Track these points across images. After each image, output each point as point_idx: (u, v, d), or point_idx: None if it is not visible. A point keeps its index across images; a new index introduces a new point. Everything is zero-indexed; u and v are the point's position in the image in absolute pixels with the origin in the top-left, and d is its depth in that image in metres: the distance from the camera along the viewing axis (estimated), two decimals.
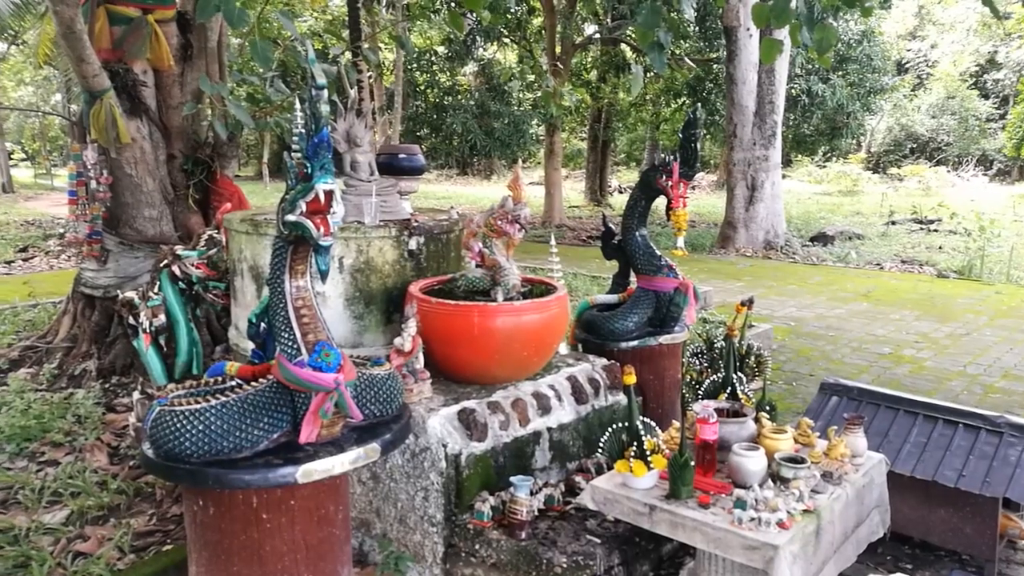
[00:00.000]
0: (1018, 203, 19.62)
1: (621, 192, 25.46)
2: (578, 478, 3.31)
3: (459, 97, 17.72)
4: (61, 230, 13.18)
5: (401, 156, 4.19)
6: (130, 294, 3.82)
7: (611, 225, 4.24)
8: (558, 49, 16.84)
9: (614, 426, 2.80)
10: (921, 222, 16.79)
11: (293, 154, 3.55)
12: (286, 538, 2.41)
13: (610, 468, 3.40)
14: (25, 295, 7.46)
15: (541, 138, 19.34)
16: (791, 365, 5.92)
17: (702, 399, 3.28)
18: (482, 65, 18.75)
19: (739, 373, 3.36)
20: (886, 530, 2.99)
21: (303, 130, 2.35)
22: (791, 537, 2.38)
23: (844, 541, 2.74)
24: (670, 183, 3.77)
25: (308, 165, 2.30)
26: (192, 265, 3.90)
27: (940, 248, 13.13)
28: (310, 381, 2.33)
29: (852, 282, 9.77)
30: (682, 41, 16.74)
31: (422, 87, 18.16)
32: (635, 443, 2.67)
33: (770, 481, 2.63)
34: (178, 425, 2.29)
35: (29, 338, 5.60)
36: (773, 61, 3.90)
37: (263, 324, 2.70)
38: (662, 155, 3.88)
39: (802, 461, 2.69)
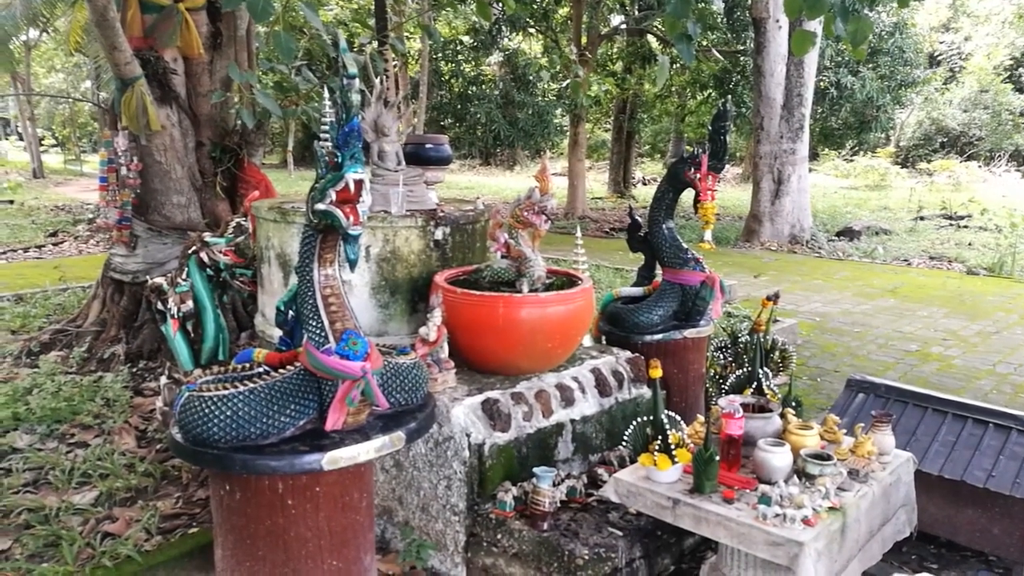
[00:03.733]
0: None
1: (645, 184, 25.28)
2: (600, 470, 3.31)
3: (484, 87, 17.69)
4: (90, 215, 13.35)
5: (428, 146, 4.19)
6: (159, 280, 3.86)
7: (637, 217, 4.21)
8: (584, 39, 16.75)
9: (639, 419, 2.79)
10: (950, 218, 16.52)
11: (323, 143, 3.58)
12: (311, 524, 2.43)
13: (633, 461, 3.40)
14: (56, 279, 7.57)
15: (565, 129, 19.26)
16: (816, 361, 5.87)
17: (727, 394, 3.26)
18: (507, 55, 18.69)
19: (765, 368, 3.33)
20: (912, 529, 2.96)
21: (333, 119, 2.36)
22: (816, 534, 2.36)
23: (869, 539, 2.72)
24: (698, 176, 3.74)
25: (338, 154, 2.31)
26: (220, 252, 3.93)
27: (970, 245, 12.91)
28: (337, 369, 2.34)
29: (879, 278, 9.65)
30: (710, 32, 16.57)
31: (447, 77, 18.14)
32: (660, 437, 2.66)
33: (795, 477, 2.61)
34: (206, 410, 2.32)
35: (59, 322, 5.69)
36: (805, 53, 3.86)
37: (291, 312, 2.73)
38: (690, 148, 3.85)
39: (828, 458, 2.66)
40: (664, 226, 3.96)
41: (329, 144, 2.34)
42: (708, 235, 3.86)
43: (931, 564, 3.21)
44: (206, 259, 3.92)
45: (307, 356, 2.40)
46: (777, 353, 5.19)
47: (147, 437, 4.08)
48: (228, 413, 2.32)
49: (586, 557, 2.68)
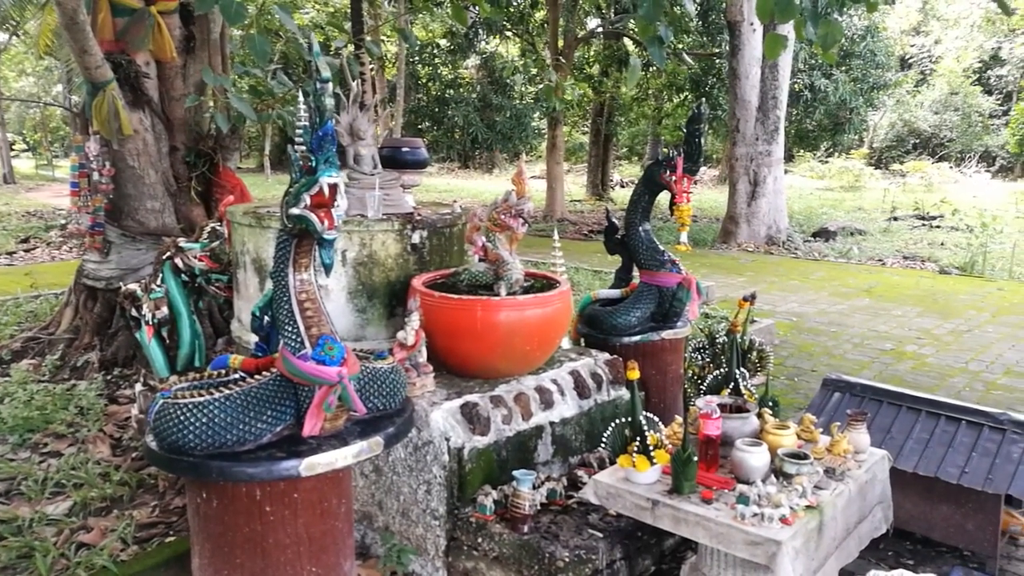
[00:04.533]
0: (1020, 200, 19.58)
1: (623, 186, 25.39)
2: (580, 472, 3.31)
3: (461, 90, 17.67)
4: (63, 221, 13.18)
5: (404, 149, 4.18)
6: (132, 286, 3.82)
7: (614, 220, 4.23)
8: (560, 43, 16.79)
9: (617, 421, 2.80)
10: (923, 218, 16.76)
11: (297, 147, 3.55)
12: (289, 531, 2.41)
13: (612, 463, 3.42)
14: (27, 286, 7.46)
15: (543, 132, 19.31)
16: (793, 361, 5.92)
17: (705, 394, 3.28)
18: (484, 58, 18.71)
19: (742, 368, 3.35)
20: (889, 526, 2.99)
21: (307, 123, 2.35)
22: (794, 533, 2.38)
23: (846, 537, 2.74)
24: (674, 178, 3.76)
25: (312, 158, 2.29)
26: (195, 257, 3.90)
27: (942, 244, 13.10)
28: (313, 374, 2.33)
29: (854, 278, 9.77)
30: (684, 35, 16.69)
31: (424, 80, 18.12)
32: (638, 438, 2.66)
33: (773, 477, 2.63)
34: (182, 417, 2.30)
35: (31, 329, 5.60)
36: (777, 56, 3.89)
37: (267, 317, 2.71)
38: (666, 150, 3.87)
39: (805, 457, 2.69)
40: (640, 228, 3.98)
41: (303, 148, 2.33)
42: (684, 237, 3.88)
43: (907, 560, 3.24)
44: (181, 264, 3.90)
45: (283, 362, 2.38)
46: (755, 353, 5.24)
47: (122, 445, 4.02)
48: (204, 420, 2.29)
49: (567, 559, 2.68)
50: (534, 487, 2.96)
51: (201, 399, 2.32)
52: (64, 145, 30.32)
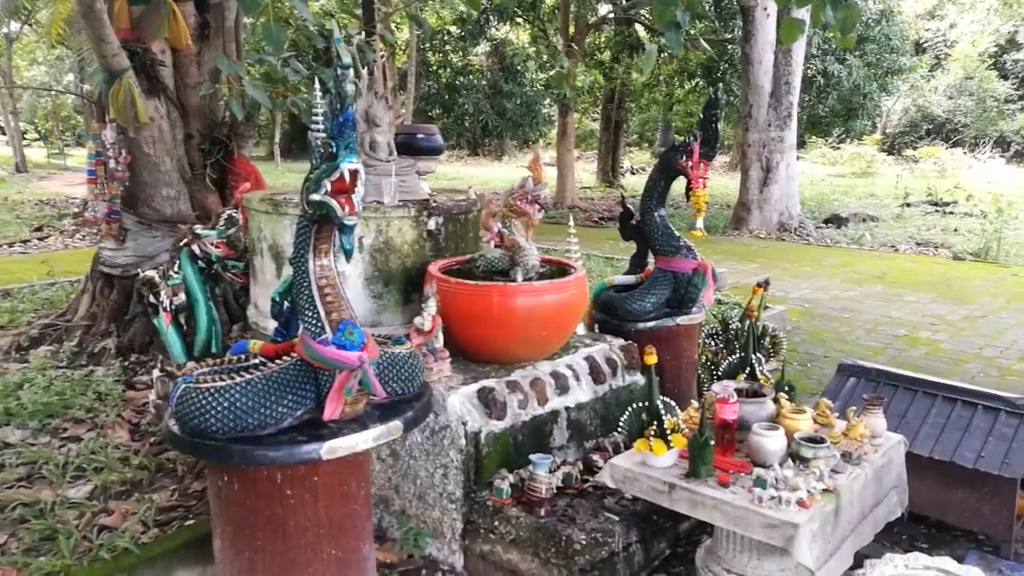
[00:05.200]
0: None
1: (633, 173, 25.30)
2: (595, 456, 3.33)
3: (471, 77, 17.63)
4: (76, 209, 13.26)
5: (419, 136, 4.19)
6: (150, 273, 3.85)
7: (629, 206, 4.23)
8: (572, 29, 16.71)
9: (634, 405, 2.81)
10: (936, 204, 16.63)
11: (317, 134, 3.56)
12: (309, 514, 2.44)
13: (628, 447, 3.43)
14: (43, 274, 7.52)
15: (553, 119, 19.25)
16: (806, 346, 5.91)
17: (720, 380, 3.29)
18: (495, 45, 18.64)
19: (757, 354, 3.36)
20: (904, 510, 3.00)
21: (327, 110, 2.36)
22: (811, 516, 2.39)
23: (862, 520, 2.75)
24: (690, 164, 3.75)
25: (333, 145, 2.30)
26: (211, 244, 3.92)
27: (956, 230, 13.01)
28: (334, 359, 2.35)
29: (866, 264, 9.72)
30: (698, 21, 16.56)
31: (435, 67, 18.09)
32: (655, 422, 2.68)
33: (790, 461, 2.64)
34: (204, 402, 2.32)
35: (48, 316, 5.66)
36: (794, 41, 3.87)
37: (286, 303, 2.74)
38: (681, 136, 3.86)
39: (822, 441, 2.69)
40: (656, 214, 3.98)
41: (323, 134, 2.34)
42: (700, 223, 3.88)
43: (922, 544, 3.25)
44: (198, 251, 3.92)
45: (304, 346, 2.40)
46: (768, 339, 5.24)
47: (140, 430, 4.07)
48: (225, 404, 2.32)
49: (583, 542, 2.70)
50: (550, 471, 2.99)
51: (223, 383, 2.35)
52: (76, 134, 30.44)
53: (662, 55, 20.00)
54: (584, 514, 2.88)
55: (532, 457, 2.93)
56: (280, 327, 2.74)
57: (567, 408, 3.37)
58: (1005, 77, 31.89)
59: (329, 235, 2.47)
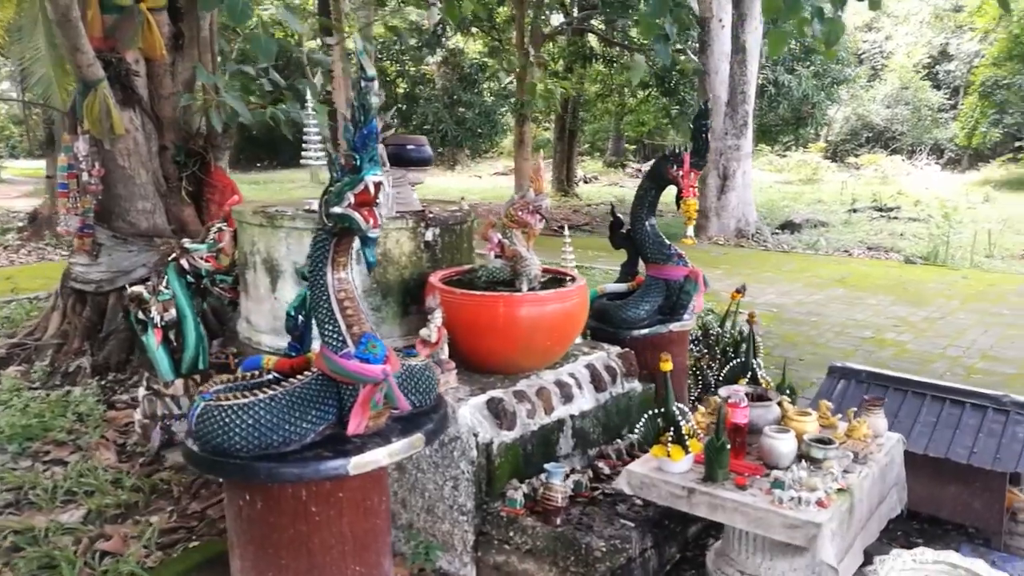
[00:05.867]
0: (970, 191, 20.22)
1: (587, 182, 25.52)
2: (600, 464, 3.37)
3: (429, 87, 17.61)
4: (19, 223, 12.84)
5: (409, 147, 4.16)
6: (138, 288, 3.76)
7: (619, 215, 4.28)
8: (527, 39, 16.81)
9: (650, 412, 2.85)
10: (881, 209, 17.18)
11: (309, 145, 3.53)
12: (334, 530, 2.42)
13: (630, 454, 3.48)
14: (7, 290, 7.25)
15: (509, 128, 19.33)
16: (779, 350, 6.04)
17: (722, 384, 3.36)
18: (451, 53, 18.68)
19: (757, 359, 3.43)
20: (903, 507, 3.10)
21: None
22: (830, 515, 2.45)
23: (869, 518, 2.84)
24: (681, 173, 3.82)
25: (356, 157, 2.29)
26: (201, 258, 3.85)
27: (902, 235, 13.46)
28: (358, 373, 2.33)
29: (825, 268, 10.00)
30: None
31: (392, 77, 18.02)
32: (672, 428, 2.72)
33: (803, 462, 2.70)
34: (227, 420, 2.28)
35: (14, 335, 5.46)
36: (781, 52, 3.97)
37: (300, 317, 2.71)
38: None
39: (830, 442, 2.77)
40: (647, 223, 4.04)
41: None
42: (690, 230, 3.95)
43: (916, 539, 3.35)
44: (186, 266, 3.84)
45: (325, 361, 2.38)
46: (745, 344, 5.35)
47: (127, 451, 3.96)
48: (249, 422, 2.28)
49: (603, 549, 2.72)
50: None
51: (246, 400, 2.31)
52: (10, 146, 29.34)
53: (613, 65, 20.31)
54: (600, 521, 2.90)
55: (547, 466, 2.95)
56: (294, 341, 2.71)
57: (572, 416, 3.39)
58: (938, 87, 33.16)
59: (348, 248, 2.46)
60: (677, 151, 3.87)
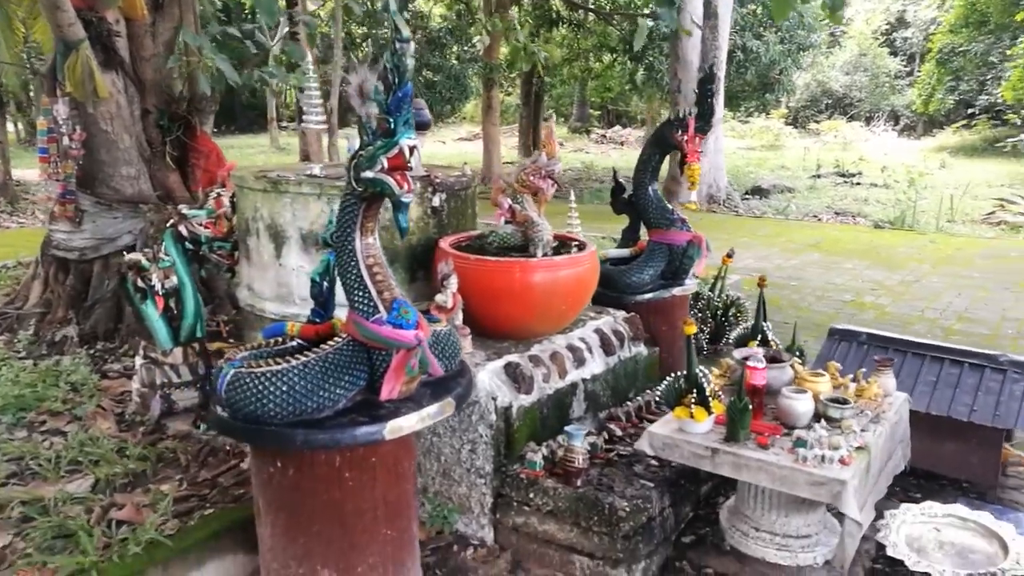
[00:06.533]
0: (927, 157, 20.66)
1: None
2: (612, 426, 3.41)
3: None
4: None
5: None
6: (135, 256, 3.66)
7: (621, 180, 4.29)
8: (493, 5, 16.57)
9: (673, 374, 2.89)
10: (844, 175, 17.49)
11: (309, 107, 3.46)
12: (367, 496, 2.42)
13: (639, 415, 3.53)
14: None
15: (478, 93, 19.13)
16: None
17: (734, 347, 3.41)
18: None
19: (766, 322, 3.49)
20: (907, 463, 3.20)
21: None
22: (853, 472, 2.53)
23: (880, 474, 2.93)
24: (686, 138, 3.84)
25: (390, 120, 2.25)
26: (200, 225, 3.76)
27: (866, 200, 13.74)
28: (392, 338, 2.31)
29: (798, 233, 10.16)
30: None
31: (359, 40, 17.66)
32: (695, 390, 2.76)
33: (823, 421, 2.77)
34: (260, 387, 2.26)
35: None
36: (785, 18, 3.95)
37: (325, 283, 2.67)
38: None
39: (845, 402, 2.84)
40: (650, 188, 4.06)
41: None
42: (694, 195, 3.99)
43: (915, 494, 3.48)
44: (184, 232, 3.75)
45: (357, 327, 2.36)
46: (733, 308, 5.44)
47: (126, 421, 3.89)
48: (284, 388, 2.26)
49: (627, 509, 2.77)
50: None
51: (280, 367, 2.29)
52: None
53: (580, 30, 20.16)
54: (620, 482, 2.95)
55: (567, 429, 2.98)
56: (318, 307, 2.67)
57: (584, 380, 3.42)
58: (895, 54, 33.65)
59: (376, 213, 2.43)
60: (682, 115, 3.87)
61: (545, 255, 3.30)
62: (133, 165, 4.86)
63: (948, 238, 9.97)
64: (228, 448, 3.53)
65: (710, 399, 2.75)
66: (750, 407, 2.72)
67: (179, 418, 3.86)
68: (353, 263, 2.40)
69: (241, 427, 2.31)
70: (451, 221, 3.77)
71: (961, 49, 25.68)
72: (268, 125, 24.80)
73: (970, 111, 26.78)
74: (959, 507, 2.84)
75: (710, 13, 12.19)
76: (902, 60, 33.42)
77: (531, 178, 3.36)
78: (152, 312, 3.68)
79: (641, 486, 2.93)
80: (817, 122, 30.74)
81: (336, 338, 2.45)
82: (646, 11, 17.17)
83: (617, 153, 25.07)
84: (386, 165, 2.24)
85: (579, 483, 2.92)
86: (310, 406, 2.29)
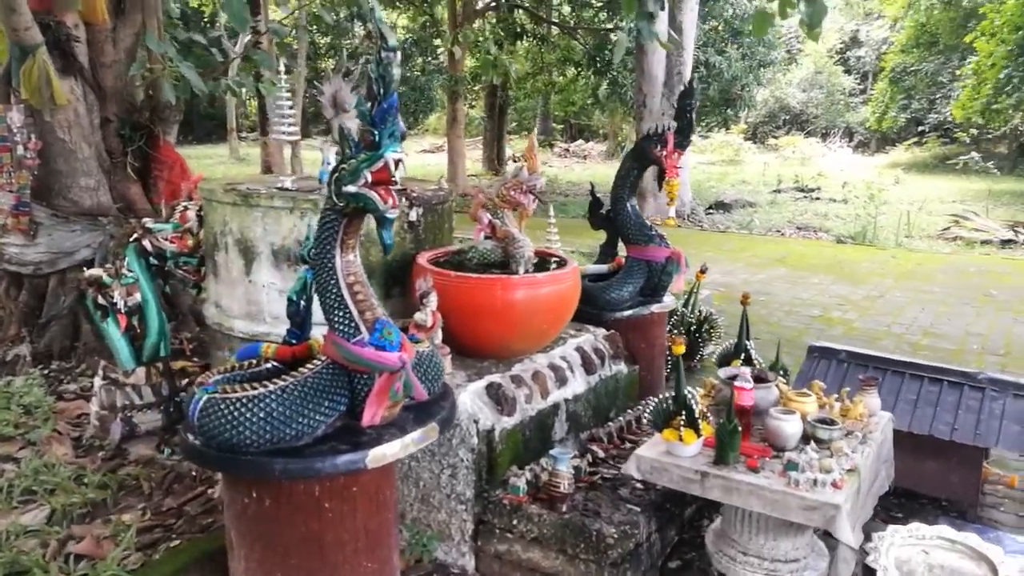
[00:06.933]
0: (882, 173, 21.11)
1: (515, 161, 25.46)
2: (594, 447, 3.34)
3: (362, 61, 17.15)
4: None
5: None
6: (96, 271, 3.50)
7: (599, 195, 4.24)
8: (458, 16, 16.53)
9: (660, 396, 2.82)
10: (803, 190, 17.76)
11: (280, 117, 3.36)
12: (348, 526, 2.31)
13: (620, 438, 3.47)
14: None
15: (441, 105, 19.05)
16: (734, 329, 6.12)
17: (717, 366, 3.37)
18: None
19: (748, 341, 3.45)
20: (890, 483, 3.18)
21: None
22: (845, 496, 2.48)
23: (867, 495, 2.90)
24: (665, 153, 3.80)
25: (375, 132, 2.15)
26: (165, 239, 3.60)
27: (826, 216, 13.94)
28: (375, 361, 2.22)
29: (762, 248, 10.25)
30: (581, 9, 16.84)
31: (323, 50, 17.48)
32: (684, 412, 2.69)
33: (812, 443, 2.72)
34: (236, 413, 2.14)
35: None
36: (765, 33, 3.97)
37: (303, 302, 2.56)
38: (652, 125, 3.91)
39: (833, 423, 2.80)
40: (628, 204, 4.01)
41: (364, 120, 2.19)
42: (673, 211, 3.95)
43: (896, 513, 3.47)
44: (149, 247, 3.60)
45: (337, 349, 2.25)
46: (706, 324, 5.43)
47: (83, 445, 3.70)
48: (261, 415, 2.15)
49: (615, 536, 2.69)
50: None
51: (257, 392, 2.17)
52: None
53: (544, 43, 20.22)
54: (606, 507, 2.87)
55: (552, 452, 2.89)
56: (294, 328, 2.56)
57: (566, 400, 3.34)
58: (849, 72, 34.46)
59: (357, 230, 2.34)
60: (661, 131, 3.83)
61: (527, 272, 3.22)
62: (92, 176, 4.66)
63: (908, 253, 10.15)
64: (195, 474, 3.37)
65: (699, 421, 2.69)
66: (739, 429, 2.66)
67: (141, 442, 3.69)
68: (333, 281, 2.30)
69: (215, 455, 2.18)
70: (428, 236, 3.67)
71: (912, 69, 26.38)
72: (228, 135, 24.39)
73: (920, 129, 27.51)
74: (946, 529, 2.81)
75: (675, 28, 12.28)
76: (856, 78, 34.22)
77: (512, 193, 3.29)
78: (113, 331, 3.52)
79: (628, 511, 2.85)
80: (776, 137, 31.28)
81: (315, 360, 2.33)
82: (610, 26, 17.35)
83: (580, 167, 25.16)
84: (370, 179, 2.14)
85: (564, 508, 2.83)
86: (289, 433, 2.17)
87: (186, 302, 4.78)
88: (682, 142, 3.81)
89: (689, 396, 2.74)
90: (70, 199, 4.61)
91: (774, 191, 17.71)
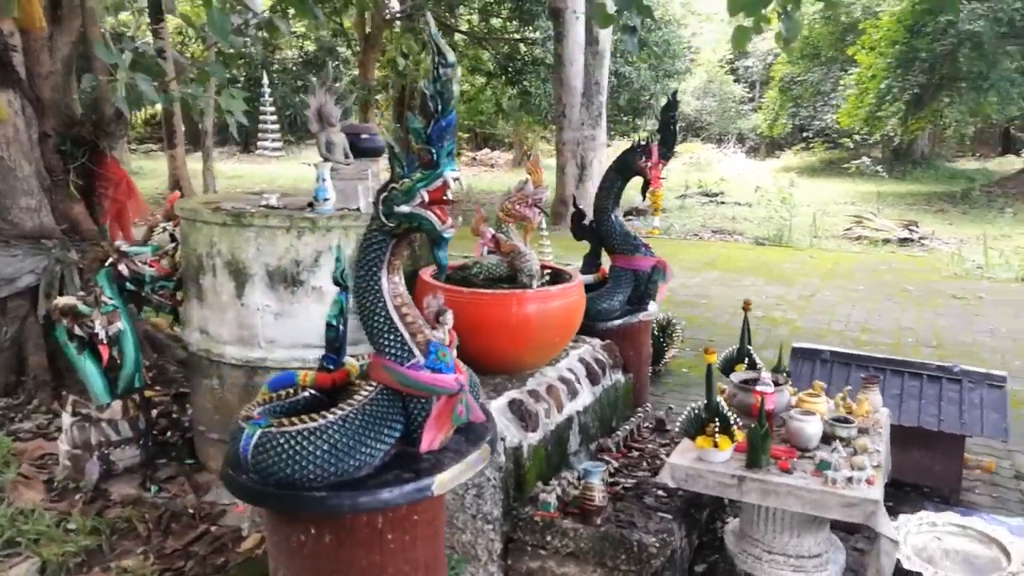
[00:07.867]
0: (777, 177, 22.17)
1: None
2: (605, 457, 3.35)
3: (274, 71, 16.68)
4: None
5: (363, 136, 3.91)
6: (70, 300, 3.25)
7: (581, 207, 4.26)
8: (367, 26, 16.34)
9: (692, 405, 2.86)
10: (708, 195, 18.45)
11: (266, 133, 3.28)
12: (409, 556, 2.23)
13: (628, 447, 3.50)
14: None
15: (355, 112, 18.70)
16: (689, 332, 6.31)
17: (721, 372, 3.44)
18: (295, 37, 17.76)
19: (748, 346, 3.54)
20: (888, 476, 3.33)
21: (423, 112, 2.14)
22: (880, 490, 2.59)
23: None
24: (649, 164, 3.86)
25: (432, 150, 2.10)
26: (143, 263, 3.38)
27: (733, 219, 14.54)
28: (434, 385, 2.16)
29: (689, 252, 10.56)
30: (494, 19, 16.94)
31: (239, 59, 16.88)
32: (717, 419, 2.74)
33: (837, 442, 2.82)
34: (298, 447, 2.03)
35: None
36: (744, 47, 4.08)
37: (342, 327, 2.45)
38: (640, 137, 3.97)
39: (849, 421, 2.92)
40: (612, 215, 4.05)
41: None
42: (657, 221, 4.02)
43: (887, 503, 3.63)
44: (125, 271, 3.37)
45: (391, 374, 2.18)
46: (669, 328, 5.55)
47: (56, 488, 3.42)
48: (325, 447, 2.05)
49: (656, 544, 2.70)
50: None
51: (318, 423, 2.07)
52: None
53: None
54: (639, 516, 2.88)
55: (585, 466, 2.89)
56: (331, 353, 2.45)
57: (578, 412, 3.34)
58: (738, 81, 36.12)
59: (403, 250, 2.27)
60: (645, 142, 3.90)
61: (540, 285, 3.20)
62: (33, 196, 4.32)
63: (823, 253, 10.69)
64: (192, 511, 3.17)
65: (732, 427, 2.74)
66: (770, 434, 2.73)
67: (121, 480, 3.44)
68: (381, 305, 2.22)
69: (275, 494, 2.06)
70: (423, 252, 3.60)
71: (799, 79, 27.87)
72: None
73: (805, 135, 29.12)
74: (952, 515, 2.99)
75: (592, 39, 12.53)
76: (745, 87, 35.90)
77: (517, 206, 3.26)
78: (88, 364, 3.29)
79: (661, 519, 2.88)
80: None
81: (365, 387, 2.24)
82: (516, 36, 17.54)
83: (489, 175, 25.23)
84: (427, 199, 2.08)
85: (599, 521, 2.83)
86: (353, 464, 2.08)
87: (140, 328, 4.49)
88: (666, 153, 3.88)
89: (721, 403, 2.79)
90: (10, 221, 4.26)
91: (680, 196, 18.30)
